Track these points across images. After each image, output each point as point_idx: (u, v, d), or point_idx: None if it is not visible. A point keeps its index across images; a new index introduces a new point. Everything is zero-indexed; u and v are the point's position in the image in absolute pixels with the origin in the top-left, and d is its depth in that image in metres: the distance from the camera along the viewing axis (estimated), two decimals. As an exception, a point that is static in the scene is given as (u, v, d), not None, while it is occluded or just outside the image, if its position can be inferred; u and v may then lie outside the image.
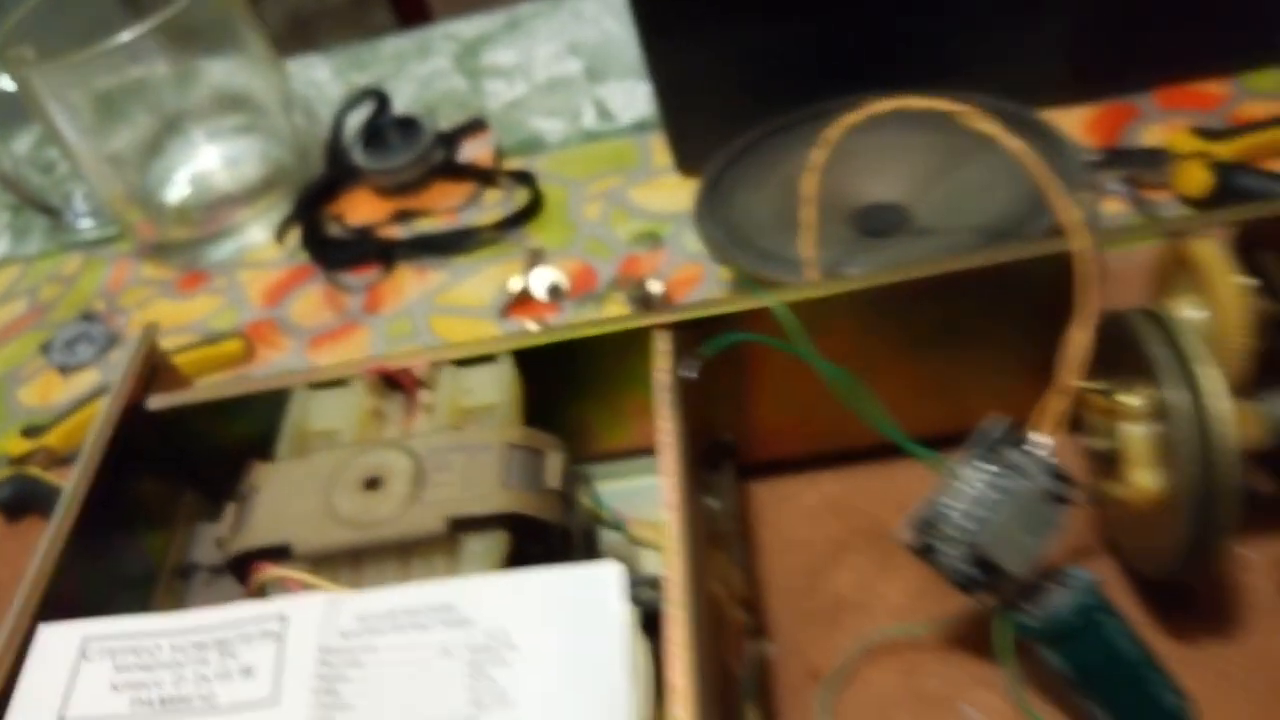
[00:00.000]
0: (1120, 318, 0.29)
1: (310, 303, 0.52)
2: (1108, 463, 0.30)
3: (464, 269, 0.51)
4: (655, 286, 0.46)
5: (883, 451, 0.30)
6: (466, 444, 0.28)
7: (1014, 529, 0.28)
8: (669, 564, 0.25)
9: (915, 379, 0.34)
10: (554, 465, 0.29)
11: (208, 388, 0.35)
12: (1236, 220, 0.31)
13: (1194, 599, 0.33)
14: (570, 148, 0.57)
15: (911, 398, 0.33)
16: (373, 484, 0.28)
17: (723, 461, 0.37)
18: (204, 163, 0.59)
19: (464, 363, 0.32)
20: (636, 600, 0.26)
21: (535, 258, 0.50)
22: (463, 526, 0.27)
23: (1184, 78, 0.50)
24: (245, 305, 0.53)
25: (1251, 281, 0.30)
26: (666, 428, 0.29)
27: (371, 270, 0.52)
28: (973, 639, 0.33)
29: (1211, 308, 0.30)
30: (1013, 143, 0.30)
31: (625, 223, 0.51)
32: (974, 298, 0.32)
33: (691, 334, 0.32)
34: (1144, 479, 0.29)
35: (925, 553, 0.28)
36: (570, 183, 0.54)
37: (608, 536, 0.35)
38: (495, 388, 0.31)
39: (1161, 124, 0.48)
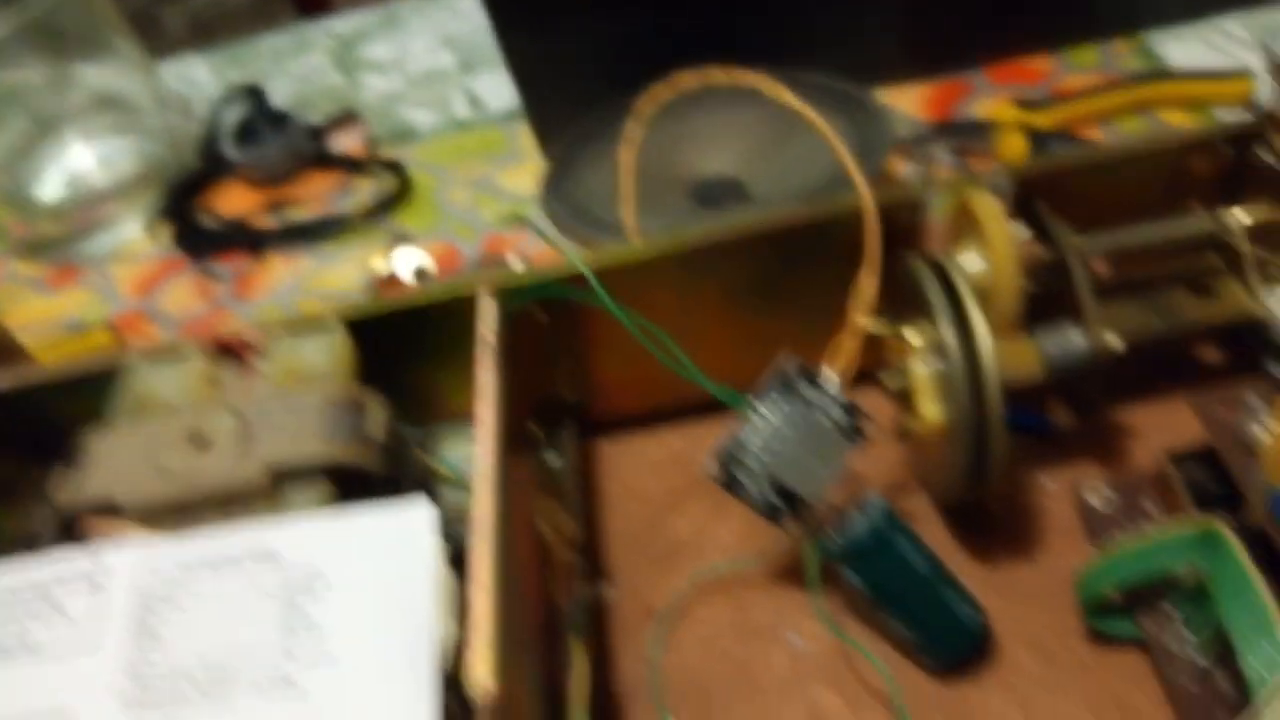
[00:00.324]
0: (907, 264, 0.32)
1: (181, 292, 0.53)
2: (904, 399, 0.33)
3: (332, 255, 0.52)
4: (516, 263, 0.48)
5: (720, 406, 0.32)
6: (290, 402, 0.30)
7: (807, 458, 0.30)
8: (476, 500, 0.27)
9: (736, 333, 0.36)
10: (376, 418, 0.30)
11: (50, 367, 0.35)
12: (1013, 175, 0.33)
13: (996, 525, 0.36)
14: (441, 137, 0.58)
15: (734, 351, 0.35)
16: (198, 441, 0.29)
17: (564, 420, 0.39)
18: (78, 162, 0.59)
19: (298, 333, 0.33)
20: (452, 539, 0.27)
21: (400, 241, 0.51)
22: (285, 477, 0.28)
23: (1012, 54, 0.53)
24: (115, 298, 0.54)
25: (1024, 230, 0.33)
26: (485, 380, 0.30)
27: (242, 259, 0.53)
28: (796, 574, 0.35)
29: (988, 255, 0.32)
30: (808, 112, 0.33)
31: (492, 205, 0.53)
32: (779, 253, 0.34)
33: (514, 298, 0.33)
34: (929, 411, 0.31)
35: (729, 485, 0.31)
36: (439, 170, 0.56)
37: (455, 495, 0.37)
38: (326, 354, 0.32)
39: (991, 97, 0.51)
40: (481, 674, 0.24)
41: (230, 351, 0.33)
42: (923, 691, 0.32)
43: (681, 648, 0.34)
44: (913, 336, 0.31)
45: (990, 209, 0.32)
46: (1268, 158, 0.33)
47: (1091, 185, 0.34)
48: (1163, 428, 0.36)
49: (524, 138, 0.56)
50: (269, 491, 0.28)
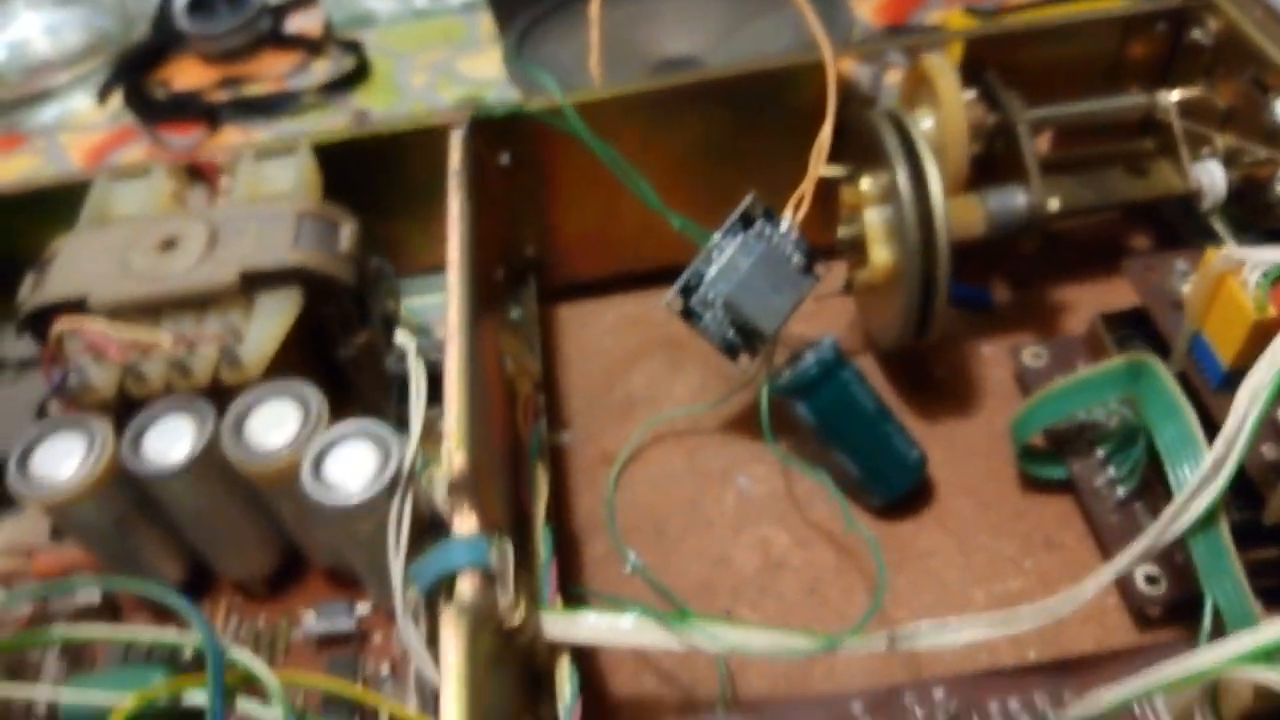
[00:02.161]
0: (865, 116, 0.33)
1: (133, 161, 0.52)
2: (855, 251, 0.34)
3: (289, 130, 0.52)
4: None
5: (673, 276, 0.32)
6: (261, 212, 0.30)
7: (763, 288, 0.31)
8: (448, 305, 0.28)
9: (696, 192, 0.37)
10: (347, 233, 0.30)
11: (15, 183, 0.35)
12: (964, 37, 0.35)
13: (938, 387, 0.37)
14: (400, 24, 0.58)
15: (702, 209, 0.36)
16: (169, 245, 0.29)
17: (526, 276, 0.39)
18: (22, 30, 0.58)
19: (265, 157, 0.33)
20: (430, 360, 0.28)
21: (360, 118, 0.51)
22: (256, 282, 0.29)
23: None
24: (65, 164, 0.53)
25: (972, 93, 0.34)
26: (454, 207, 0.31)
27: (196, 130, 0.53)
28: (747, 423, 0.37)
29: (939, 114, 0.34)
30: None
31: (450, 88, 0.53)
32: (738, 108, 0.36)
33: (486, 131, 0.34)
34: (879, 254, 0.33)
35: (689, 317, 0.32)
36: (398, 55, 0.56)
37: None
38: (293, 176, 0.32)
39: (944, 8, 0.53)
40: (451, 448, 0.25)
41: (198, 173, 0.33)
42: (868, 529, 0.34)
43: (637, 489, 0.36)
44: (867, 184, 0.33)
45: (943, 69, 0.34)
46: (1200, 36, 0.35)
47: (1038, 58, 0.36)
48: (1096, 302, 0.38)
49: (484, 27, 0.56)
50: (239, 295, 0.29)
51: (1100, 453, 0.32)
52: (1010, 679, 0.28)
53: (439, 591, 0.23)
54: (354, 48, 0.55)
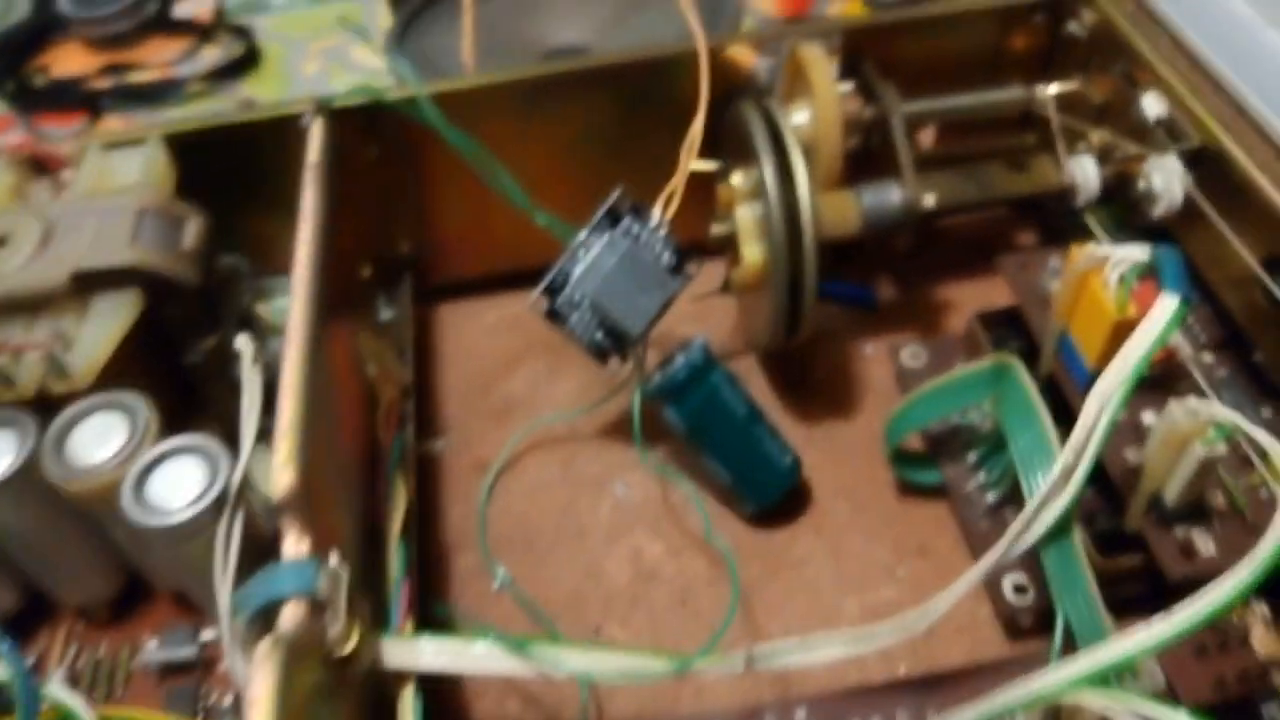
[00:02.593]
0: (737, 108, 0.32)
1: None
2: (730, 249, 0.34)
3: (174, 120, 0.50)
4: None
5: None
6: (100, 208, 0.29)
7: (629, 288, 0.30)
8: (291, 307, 0.27)
9: (574, 183, 0.36)
10: (192, 230, 0.29)
11: None
12: (837, 29, 0.34)
13: (817, 388, 0.37)
14: (296, 10, 0.57)
15: (584, 204, 0.35)
16: (-3, 244, 0.28)
17: (401, 275, 0.38)
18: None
19: (113, 148, 0.32)
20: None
21: (246, 107, 0.49)
22: (90, 283, 0.27)
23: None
24: (-66, 155, 0.50)
25: (848, 86, 0.34)
26: (308, 200, 0.30)
27: (77, 120, 0.51)
28: (625, 430, 0.36)
29: (813, 105, 0.33)
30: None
31: (342, 76, 0.52)
32: (619, 98, 0.35)
33: (350, 123, 0.33)
34: (751, 253, 0.32)
35: (554, 318, 0.31)
36: (291, 41, 0.54)
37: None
38: (141, 169, 0.31)
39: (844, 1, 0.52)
40: (279, 463, 0.23)
41: (42, 166, 0.32)
42: (741, 538, 0.33)
43: (510, 497, 0.35)
44: (739, 180, 0.32)
45: (816, 60, 0.33)
46: (1076, 29, 0.34)
47: (918, 50, 0.35)
48: (981, 300, 0.38)
49: (382, 16, 0.54)
50: (72, 297, 0.27)
51: (972, 457, 0.32)
52: (875, 696, 0.27)
53: (267, 619, 0.22)
54: (243, 33, 0.53)
